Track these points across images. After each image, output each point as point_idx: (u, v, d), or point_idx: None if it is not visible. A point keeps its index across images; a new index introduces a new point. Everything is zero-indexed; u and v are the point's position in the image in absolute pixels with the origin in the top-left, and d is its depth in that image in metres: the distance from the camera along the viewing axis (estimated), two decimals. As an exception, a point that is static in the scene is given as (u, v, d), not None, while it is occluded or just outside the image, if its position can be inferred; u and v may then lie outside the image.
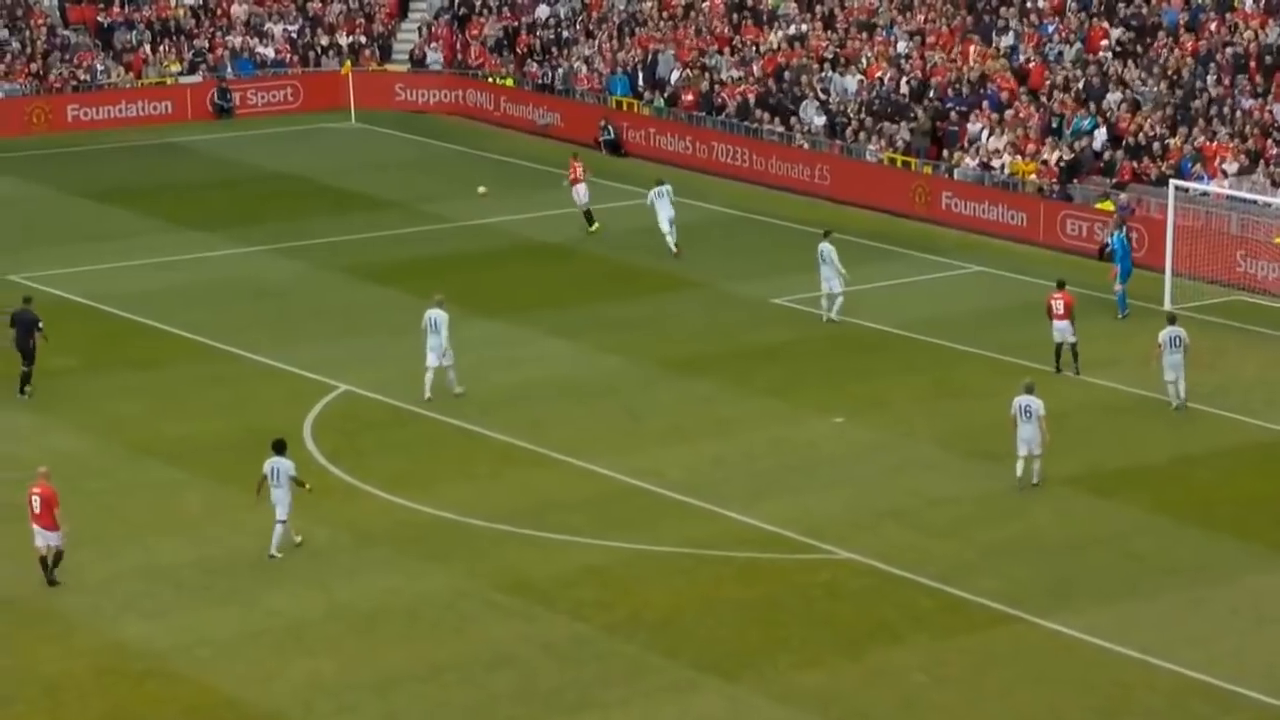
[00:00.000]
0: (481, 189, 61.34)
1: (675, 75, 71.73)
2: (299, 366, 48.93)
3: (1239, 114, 59.89)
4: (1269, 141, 58.44)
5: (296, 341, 50.82)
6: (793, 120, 67.21)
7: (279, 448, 38.49)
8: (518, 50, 77.04)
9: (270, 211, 63.84)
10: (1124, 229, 53.63)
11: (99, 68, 76.08)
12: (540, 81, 75.25)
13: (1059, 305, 47.73)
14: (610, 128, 70.52)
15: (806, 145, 66.72)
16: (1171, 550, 38.89)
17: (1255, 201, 56.30)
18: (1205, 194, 56.74)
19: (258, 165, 70.65)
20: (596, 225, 60.91)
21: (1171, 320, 45.70)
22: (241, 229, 61.60)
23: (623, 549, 38.85)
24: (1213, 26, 63.65)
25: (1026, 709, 32.86)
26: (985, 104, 64.13)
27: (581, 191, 60.94)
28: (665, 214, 58.16)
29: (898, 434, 44.77)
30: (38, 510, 36.64)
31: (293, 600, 36.61)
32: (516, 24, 78.47)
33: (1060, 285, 48.44)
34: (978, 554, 38.58)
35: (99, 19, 78.65)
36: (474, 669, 34.11)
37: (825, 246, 52.14)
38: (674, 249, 57.92)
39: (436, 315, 46.24)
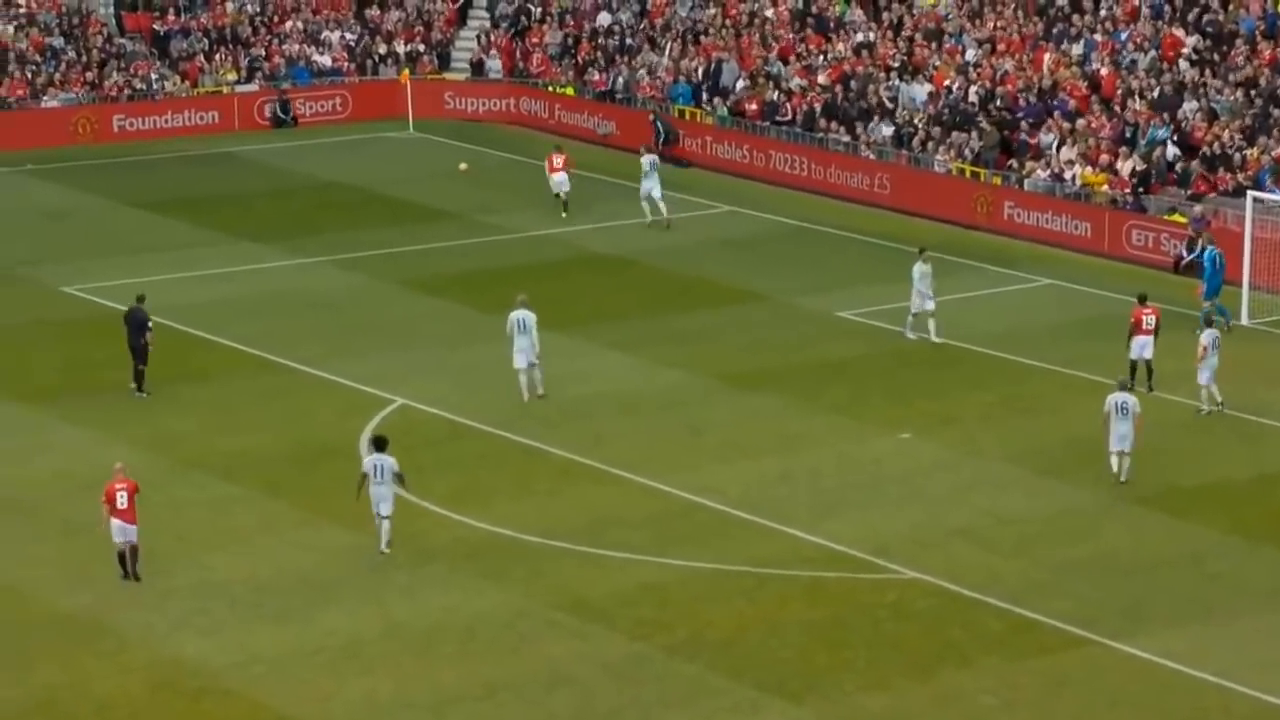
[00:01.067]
0: (463, 165, 64.46)
1: (739, 84, 71.67)
2: (354, 380, 49.02)
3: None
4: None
5: (352, 354, 50.89)
6: (859, 130, 67.12)
7: (380, 445, 39.17)
8: (578, 59, 77.08)
9: (326, 222, 63.97)
10: (1213, 245, 53.07)
11: (154, 76, 76.32)
12: (602, 90, 75.26)
13: (1150, 320, 47.39)
14: (659, 123, 70.15)
15: (872, 155, 66.56)
16: (1248, 571, 38.71)
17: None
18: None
19: (312, 175, 70.73)
20: (565, 215, 63.61)
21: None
22: (296, 240, 61.75)
23: (684, 567, 38.82)
24: (1291, 34, 63.53)
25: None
26: (1056, 113, 63.91)
27: (560, 180, 64.07)
28: (647, 186, 62.40)
29: (966, 451, 44.65)
30: (124, 505, 37.30)
31: (349, 618, 36.69)
32: (578, 32, 78.51)
33: (1143, 300, 48.12)
34: (1048, 574, 38.46)
35: (155, 27, 78.88)
36: (531, 689, 34.13)
37: (922, 267, 51.72)
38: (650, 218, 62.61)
39: (524, 316, 46.88)
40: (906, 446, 44.94)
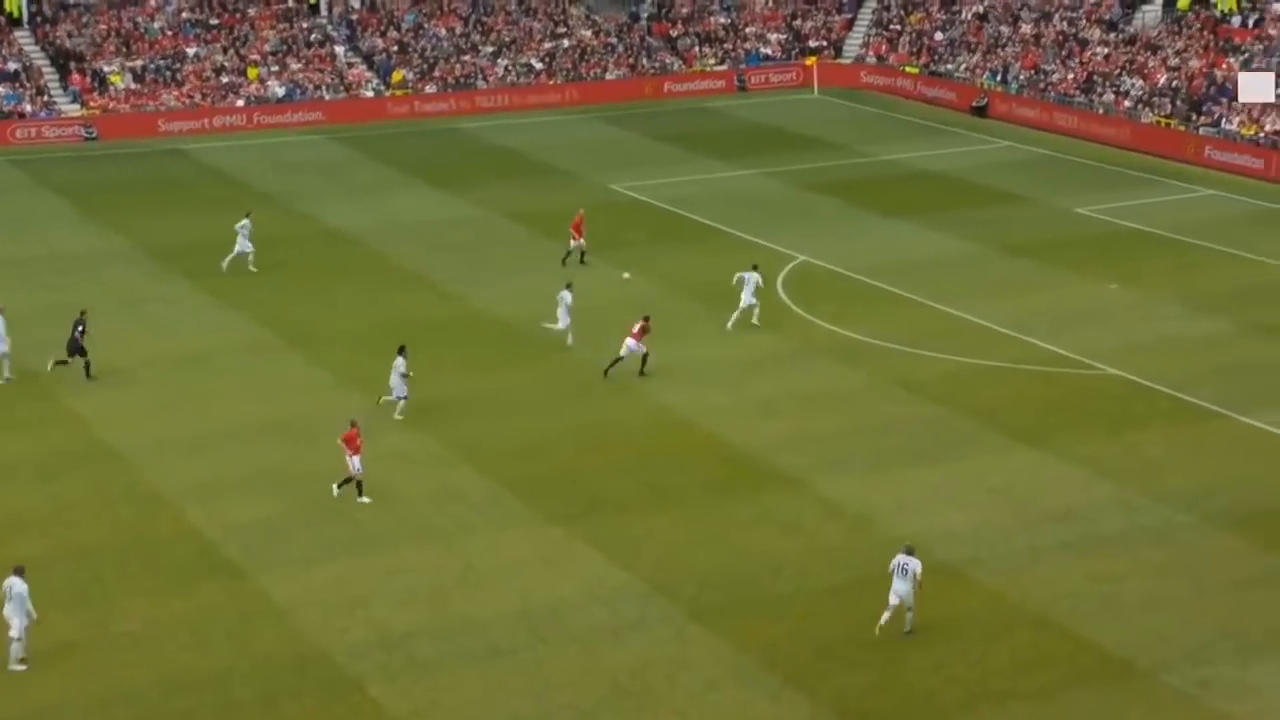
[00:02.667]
0: (625, 275, 45.06)
1: (1021, 74, 69.20)
2: (776, 244, 48.82)
3: None
4: None
5: (775, 229, 50.60)
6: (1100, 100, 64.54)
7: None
8: (921, 54, 75.30)
9: (763, 148, 63.51)
10: None
11: (667, 60, 76.37)
12: (934, 69, 73.42)
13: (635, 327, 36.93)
14: (984, 96, 68.12)
15: (1102, 111, 64.01)
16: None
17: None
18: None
19: (756, 121, 70.57)
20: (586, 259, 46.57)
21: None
22: (744, 159, 61.24)
23: (968, 362, 38.49)
24: None
25: (1230, 469, 31.88)
26: (1224, 99, 60.62)
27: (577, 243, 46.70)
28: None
29: (1151, 296, 43.32)
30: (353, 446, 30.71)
31: (764, 386, 36.80)
32: (925, 35, 76.58)
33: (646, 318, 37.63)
34: (1200, 373, 37.28)
35: (670, 32, 78.78)
36: (875, 432, 34.23)
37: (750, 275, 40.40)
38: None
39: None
40: (1112, 292, 43.72)
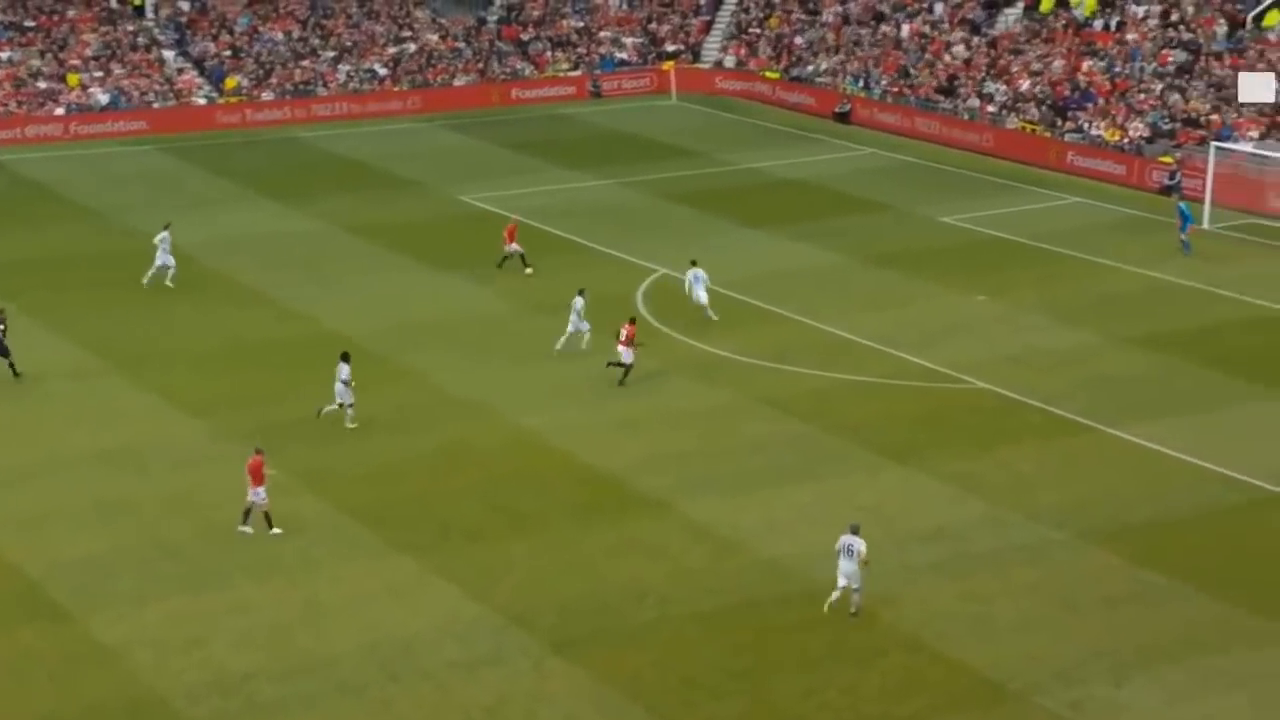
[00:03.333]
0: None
1: (883, 79, 70.37)
2: (634, 256, 49.02)
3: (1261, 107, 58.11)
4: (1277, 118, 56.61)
5: (633, 241, 50.86)
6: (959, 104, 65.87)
7: (346, 357, 34.97)
8: (781, 58, 76.15)
9: (619, 157, 63.77)
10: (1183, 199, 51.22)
11: (518, 65, 76.47)
12: (796, 75, 74.27)
13: (624, 333, 37.66)
14: (847, 102, 69.16)
15: (967, 117, 65.30)
16: (1199, 386, 38.01)
17: (1269, 156, 54.41)
18: (1234, 151, 54.89)
19: (611, 128, 70.73)
20: (530, 269, 47.13)
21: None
22: (600, 168, 61.52)
23: (835, 378, 38.91)
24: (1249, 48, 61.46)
25: (1100, 483, 32.61)
26: (1088, 105, 62.21)
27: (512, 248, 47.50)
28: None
29: (1019, 307, 44.20)
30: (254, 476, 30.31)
31: (626, 405, 37.00)
32: (785, 38, 77.48)
33: (633, 320, 38.55)
34: (1070, 385, 38.05)
35: (521, 36, 78.86)
36: (741, 451, 34.42)
37: (696, 273, 42.05)
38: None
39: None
40: (981, 305, 44.55)
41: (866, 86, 70.40)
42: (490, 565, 29.28)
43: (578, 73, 77.13)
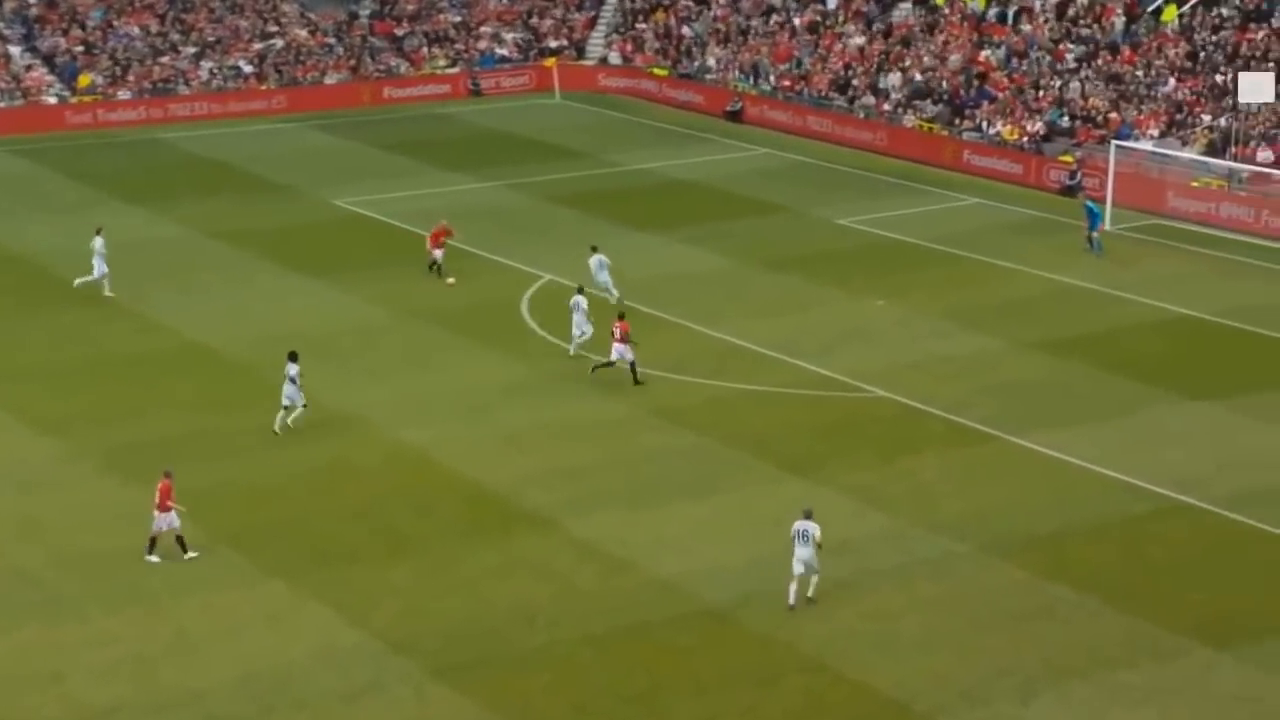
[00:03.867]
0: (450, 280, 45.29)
1: (773, 72, 70.90)
2: (519, 262, 49.11)
3: (1160, 96, 59.11)
4: (1179, 116, 57.63)
5: (517, 246, 50.92)
6: (856, 101, 66.49)
7: (292, 356, 35.36)
8: (670, 52, 76.36)
9: (501, 159, 63.85)
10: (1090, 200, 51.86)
11: (393, 62, 76.11)
12: (685, 72, 74.57)
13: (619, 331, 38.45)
14: (738, 100, 69.58)
15: (863, 115, 65.88)
16: (1103, 392, 38.62)
17: (1169, 155, 55.47)
18: (1134, 150, 55.88)
19: (493, 128, 70.59)
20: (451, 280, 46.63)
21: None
22: (482, 170, 61.56)
23: (731, 387, 39.05)
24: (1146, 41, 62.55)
25: (1003, 494, 32.93)
26: (985, 102, 62.96)
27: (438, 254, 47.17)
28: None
29: (919, 312, 44.59)
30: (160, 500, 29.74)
31: (512, 418, 36.93)
32: (671, 32, 77.70)
33: (621, 316, 39.15)
34: (972, 393, 38.46)
35: (395, 31, 78.46)
36: (633, 464, 34.43)
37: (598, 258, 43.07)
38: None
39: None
40: (880, 309, 44.91)
41: (756, 80, 70.72)
42: (370, 589, 28.96)
43: (456, 70, 76.81)
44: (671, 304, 44.73)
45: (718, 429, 36.10)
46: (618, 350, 38.27)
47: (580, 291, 40.75)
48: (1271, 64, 57.82)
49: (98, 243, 45.01)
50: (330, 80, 74.35)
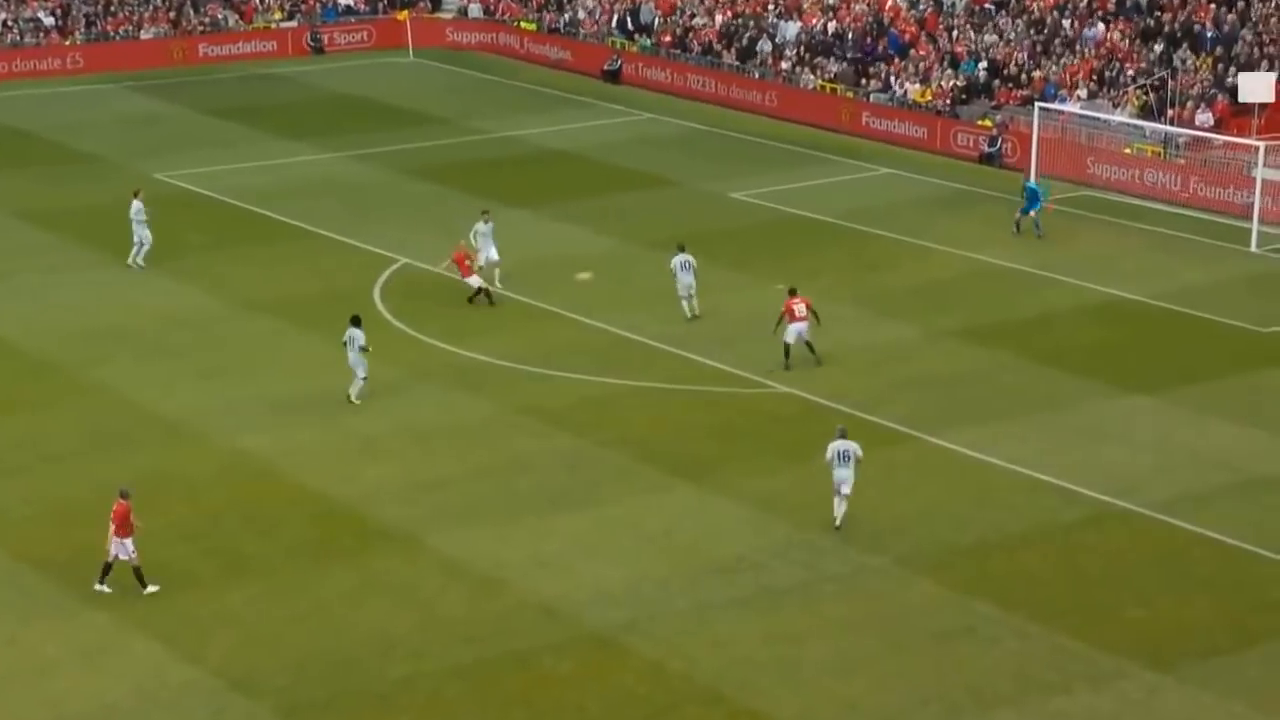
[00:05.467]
0: (585, 275, 45.85)
1: (656, 21, 71.29)
2: (370, 244, 48.99)
3: (1088, 47, 60.19)
4: (1109, 73, 58.64)
5: (368, 225, 50.84)
6: (748, 56, 67.02)
7: (356, 321, 37.75)
8: (536, 2, 76.48)
9: (348, 126, 63.57)
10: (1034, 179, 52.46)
11: (220, 15, 75.58)
12: (554, 26, 74.76)
13: (800, 309, 39.80)
14: (617, 59, 69.90)
15: (758, 75, 66.40)
16: (1031, 385, 39.22)
17: (1099, 119, 56.42)
18: (1061, 113, 56.78)
19: (338, 91, 70.29)
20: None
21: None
22: (326, 139, 61.41)
23: (614, 384, 39.18)
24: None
25: (921, 500, 33.38)
26: (888, 44, 63.72)
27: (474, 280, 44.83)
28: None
29: (825, 297, 44.85)
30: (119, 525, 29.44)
31: (367, 421, 36.93)
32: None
33: (793, 291, 40.25)
34: (886, 388, 38.90)
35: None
36: (504, 472, 34.50)
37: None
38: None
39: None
40: (778, 295, 45.18)
41: (634, 36, 70.84)
42: (203, 619, 28.82)
43: (294, 24, 76.36)
44: (544, 291, 44.83)
45: (599, 431, 36.26)
46: (797, 329, 39.42)
47: (682, 249, 42.61)
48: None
49: (137, 207, 46.28)
50: (145, 35, 73.60)
